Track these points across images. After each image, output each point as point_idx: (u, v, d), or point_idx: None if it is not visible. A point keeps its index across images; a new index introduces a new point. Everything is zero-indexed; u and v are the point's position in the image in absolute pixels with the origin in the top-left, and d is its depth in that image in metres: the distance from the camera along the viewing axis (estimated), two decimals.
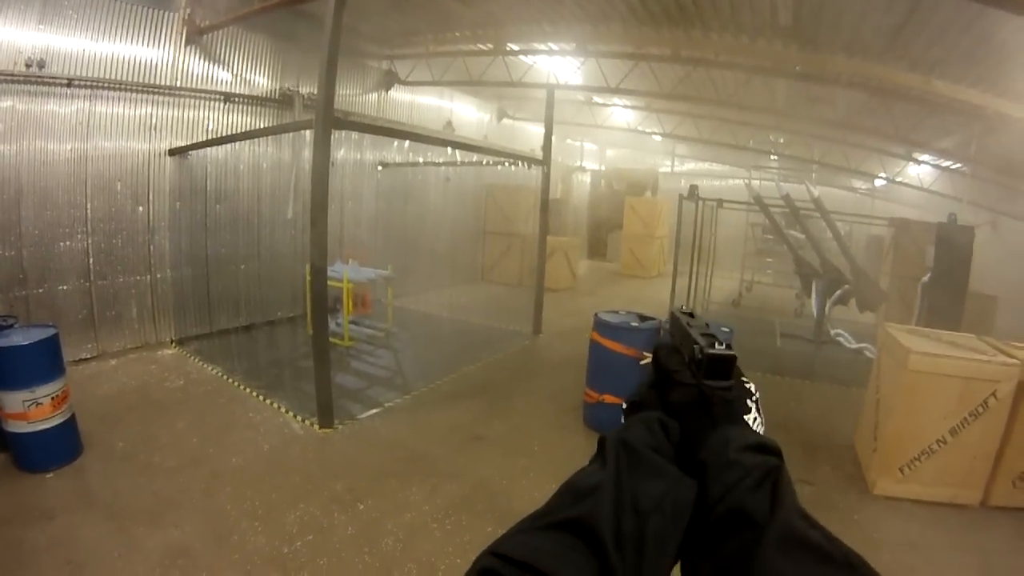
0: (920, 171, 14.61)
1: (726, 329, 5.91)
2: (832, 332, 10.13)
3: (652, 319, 6.20)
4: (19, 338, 4.56)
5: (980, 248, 8.61)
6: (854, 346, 9.57)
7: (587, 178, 21.85)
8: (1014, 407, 4.61)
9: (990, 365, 4.58)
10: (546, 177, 9.62)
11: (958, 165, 12.28)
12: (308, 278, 6.52)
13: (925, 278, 8.75)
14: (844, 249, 10.52)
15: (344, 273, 8.44)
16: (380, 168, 11.61)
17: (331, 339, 6.39)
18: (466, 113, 14.43)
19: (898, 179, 15.26)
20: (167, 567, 3.93)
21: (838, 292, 10.28)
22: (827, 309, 10.38)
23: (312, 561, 4.14)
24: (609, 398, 6.05)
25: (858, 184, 17.93)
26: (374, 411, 6.56)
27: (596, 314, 6.29)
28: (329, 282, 6.20)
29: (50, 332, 4.72)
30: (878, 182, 16.45)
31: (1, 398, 4.47)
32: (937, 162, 13.10)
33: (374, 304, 9.95)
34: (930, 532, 4.40)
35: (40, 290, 6.45)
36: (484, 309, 10.94)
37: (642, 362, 5.74)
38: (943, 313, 7.96)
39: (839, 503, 4.87)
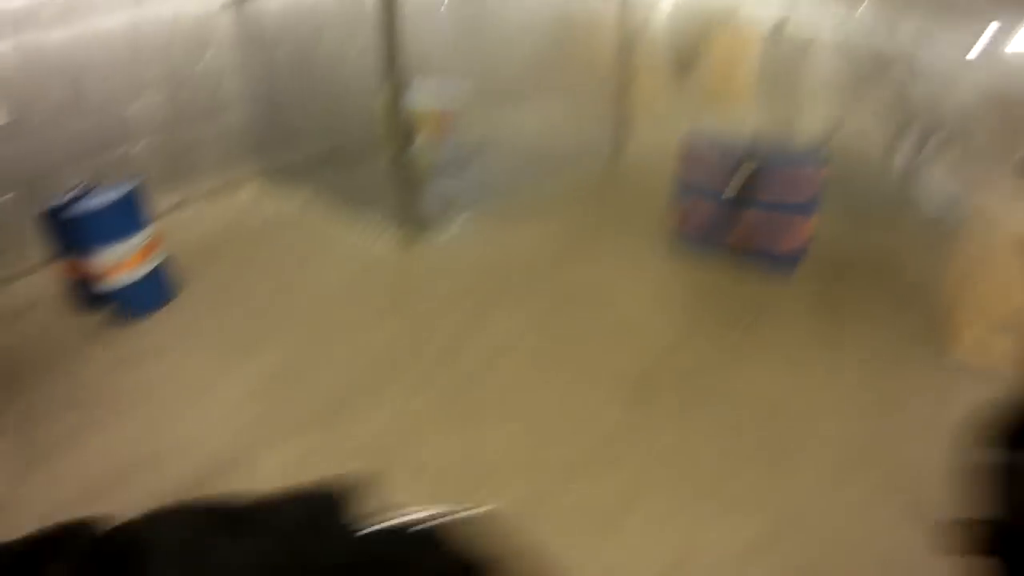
0: None
1: (817, 154, 5.60)
2: (923, 179, 9.26)
3: (742, 140, 5.77)
4: (101, 198, 4.57)
5: None
6: (951, 194, 8.73)
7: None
8: None
9: None
10: None
11: None
12: (385, 100, 6.25)
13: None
14: (941, 96, 9.39)
15: (422, 94, 8.07)
16: None
17: (411, 160, 6.18)
18: None
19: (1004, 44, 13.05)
20: (262, 391, 4.11)
21: (933, 139, 9.27)
22: (921, 156, 9.46)
23: (401, 375, 4.24)
24: (696, 220, 5.85)
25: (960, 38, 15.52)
26: (459, 227, 6.50)
27: (682, 137, 5.89)
28: (405, 105, 5.97)
29: (128, 188, 4.73)
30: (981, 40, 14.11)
31: (96, 259, 4.52)
32: None
33: (454, 122, 9.57)
34: None
35: (118, 153, 6.44)
36: (570, 124, 10.41)
37: (730, 185, 5.50)
38: None
39: (922, 353, 4.62)
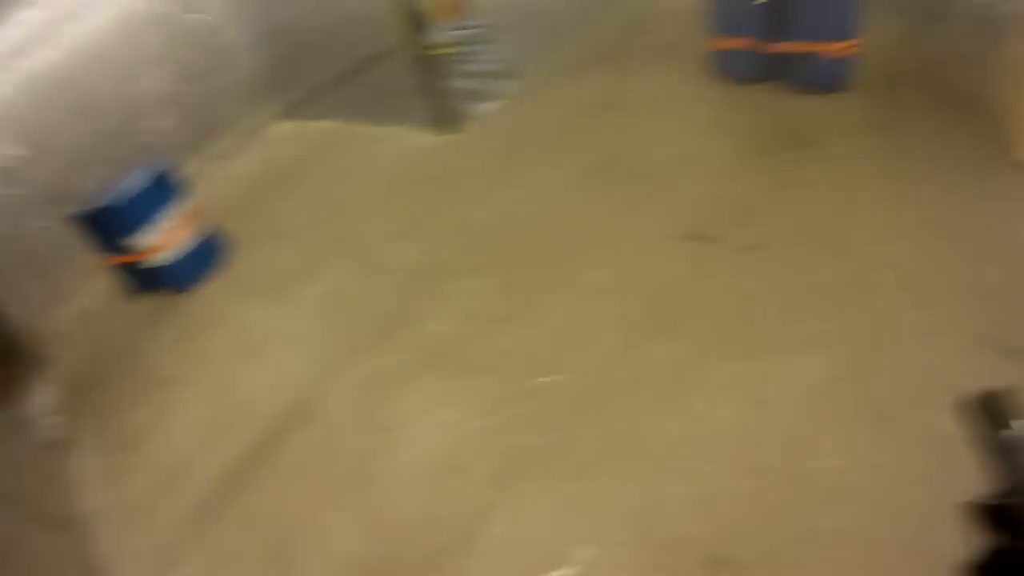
0: None
1: None
2: None
3: None
4: (133, 182, 4.54)
5: None
6: None
7: None
8: None
9: None
10: None
11: None
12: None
13: None
14: None
15: None
16: None
17: (433, 51, 5.91)
18: None
19: None
20: (330, 313, 4.07)
21: None
22: None
23: (461, 261, 4.15)
24: (734, 43, 5.37)
25: None
26: (492, 104, 6.24)
27: None
28: None
29: (157, 163, 4.74)
30: None
31: (140, 241, 4.52)
32: None
33: (467, 3, 9.09)
34: None
35: (137, 138, 6.27)
36: None
37: (756, 1, 4.98)
38: None
39: (983, 164, 4.07)
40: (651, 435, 2.79)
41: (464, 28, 8.65)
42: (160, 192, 4.67)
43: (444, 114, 5.79)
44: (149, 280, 4.78)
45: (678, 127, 5.02)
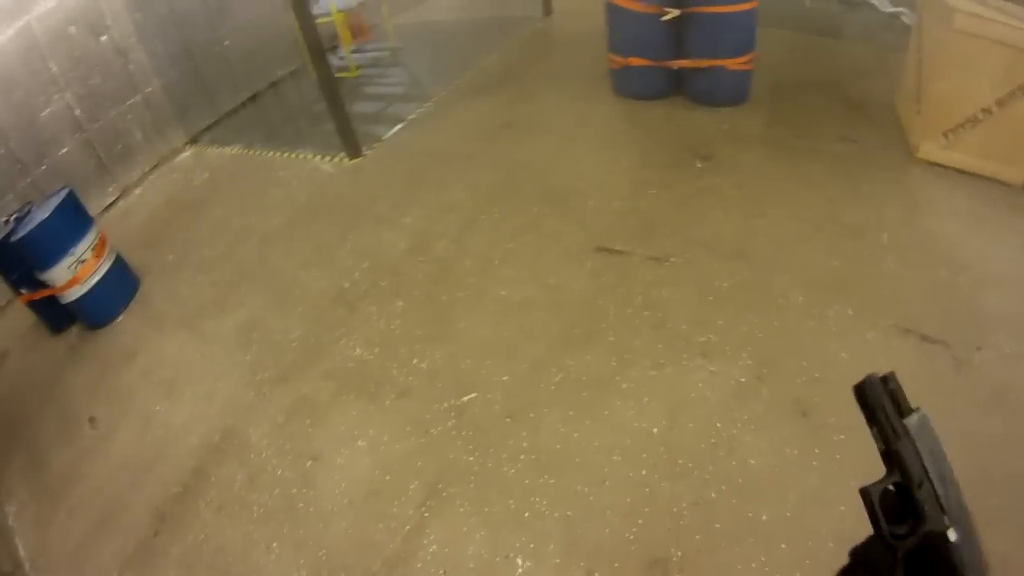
0: None
1: None
2: None
3: None
4: (39, 215, 4.37)
5: None
6: (889, 9, 8.11)
7: None
8: None
9: None
10: None
11: None
12: (295, 23, 5.88)
13: None
14: None
15: (331, 5, 7.81)
16: None
17: (337, 74, 5.97)
18: None
19: None
20: (245, 345, 4.03)
21: None
22: None
23: (373, 286, 4.18)
24: (635, 60, 5.58)
25: None
26: (398, 127, 6.31)
27: None
28: (319, 20, 5.81)
29: (63, 193, 4.56)
30: None
31: (50, 276, 4.40)
32: None
33: (372, 28, 9.20)
34: (973, 204, 3.99)
35: (43, 167, 6.13)
36: (488, 2, 9.90)
37: (663, 18, 5.18)
38: None
39: (882, 163, 4.45)
40: (576, 446, 2.88)
41: (368, 52, 8.75)
42: (69, 224, 4.52)
43: (351, 138, 5.82)
44: (63, 316, 4.66)
45: (583, 144, 5.21)
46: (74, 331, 4.70)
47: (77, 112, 6.45)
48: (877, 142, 4.61)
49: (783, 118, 5.10)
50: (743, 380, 3.02)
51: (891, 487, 0.71)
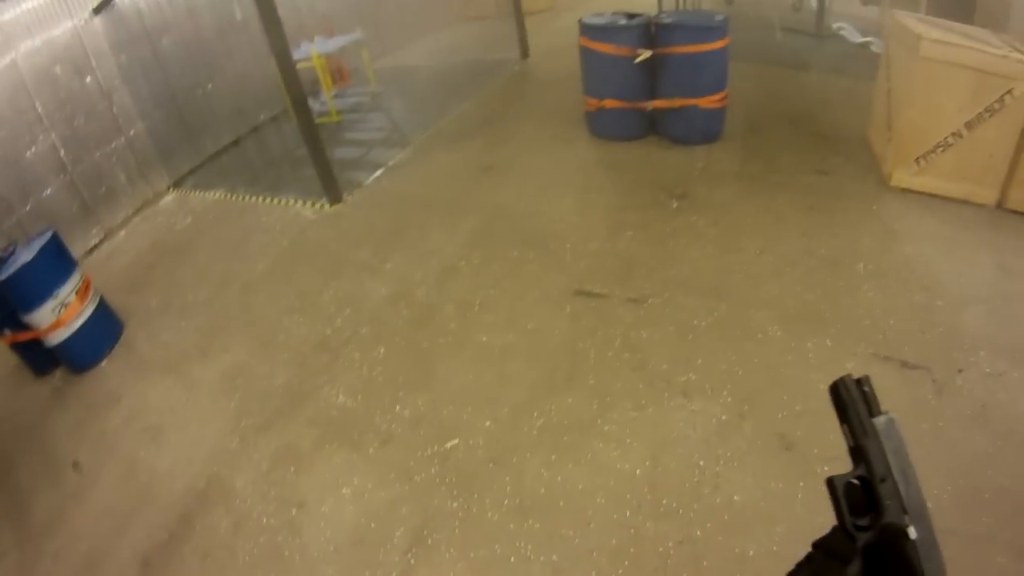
0: None
1: (720, 16, 5.45)
2: (834, 26, 9.11)
3: (640, 15, 5.71)
4: (23, 257, 4.41)
5: None
6: (858, 40, 8.60)
7: None
8: None
9: (1006, 61, 4.12)
10: None
11: None
12: (277, 61, 6.02)
13: None
14: None
15: (311, 49, 7.97)
16: None
17: (318, 119, 6.16)
18: None
19: None
20: (229, 391, 4.08)
21: None
22: (827, 0, 9.14)
23: (355, 333, 4.26)
24: (610, 103, 5.82)
25: None
26: (379, 173, 6.46)
27: (581, 20, 5.89)
28: (300, 64, 5.93)
29: (48, 235, 4.61)
30: None
31: (34, 319, 4.44)
32: None
33: (353, 73, 9.45)
34: (947, 228, 4.19)
35: (27, 207, 6.19)
36: (466, 46, 10.27)
37: (637, 60, 5.45)
38: (953, 5, 6.71)
39: (856, 193, 4.65)
40: (560, 489, 2.94)
41: (349, 96, 8.95)
42: (53, 266, 4.57)
43: (332, 184, 5.94)
44: (47, 359, 4.68)
45: (561, 187, 5.37)
46: (58, 374, 4.72)
47: (62, 153, 6.53)
48: (850, 172, 4.82)
49: (757, 153, 5.31)
50: (724, 417, 3.11)
51: (856, 481, 0.74)
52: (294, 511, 3.19)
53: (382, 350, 4.05)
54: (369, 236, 5.30)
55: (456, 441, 3.33)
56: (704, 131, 5.63)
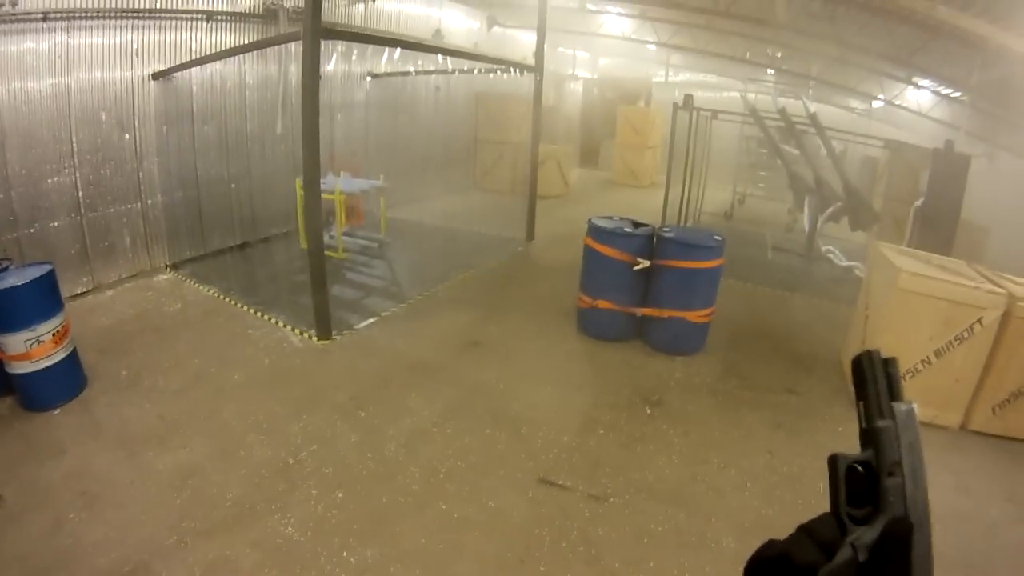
0: (919, 96, 14.04)
1: (718, 237, 6.01)
2: (823, 248, 10.21)
3: (646, 225, 6.25)
4: (15, 279, 4.52)
5: (975, 179, 8.31)
6: (844, 264, 9.63)
7: (579, 87, 21.25)
8: (998, 336, 4.71)
9: (978, 292, 4.66)
10: (539, 84, 9.45)
11: (958, 93, 11.87)
12: (300, 192, 6.42)
13: (918, 202, 8.45)
14: (838, 167, 10.33)
15: (336, 185, 8.40)
16: (369, 79, 11.31)
17: (325, 252, 6.37)
18: (455, 22, 14.02)
19: (896, 102, 14.77)
20: (178, 488, 4.04)
21: (830, 209, 10.22)
22: (819, 225, 10.38)
23: (317, 470, 4.30)
24: (603, 303, 6.18)
25: (855, 104, 17.31)
26: (371, 320, 6.68)
27: (590, 219, 6.37)
28: (321, 195, 6.18)
29: (46, 269, 4.71)
30: (876, 103, 15.99)
31: (3, 341, 4.48)
32: (937, 88, 12.78)
33: (367, 215, 9.93)
34: None
35: (32, 229, 6.34)
36: (477, 217, 10.91)
37: (636, 267, 5.87)
38: (934, 238, 7.85)
39: (825, 414, 5.03)
40: None
41: (358, 237, 9.36)
42: (41, 301, 4.64)
43: (325, 319, 6.12)
44: (2, 383, 4.63)
45: (543, 376, 5.63)
46: (8, 402, 4.66)
47: (80, 193, 6.78)
48: (820, 394, 5.16)
49: (734, 369, 5.68)
50: None
51: (860, 468, 0.69)
52: None
53: (341, 494, 4.08)
54: (350, 380, 5.46)
55: None
56: (688, 343, 6.01)
